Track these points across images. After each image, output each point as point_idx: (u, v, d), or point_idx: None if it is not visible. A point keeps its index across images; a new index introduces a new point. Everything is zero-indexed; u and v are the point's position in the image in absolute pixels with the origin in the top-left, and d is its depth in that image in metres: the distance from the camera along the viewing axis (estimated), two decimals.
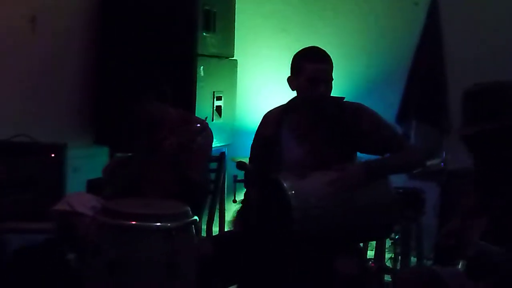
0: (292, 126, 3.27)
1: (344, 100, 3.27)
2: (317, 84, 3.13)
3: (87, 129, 4.95)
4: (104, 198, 3.48)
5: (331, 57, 3.20)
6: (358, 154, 3.29)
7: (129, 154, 3.79)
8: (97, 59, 4.95)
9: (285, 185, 2.94)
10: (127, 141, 3.83)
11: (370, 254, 4.14)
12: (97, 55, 4.95)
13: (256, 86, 5.64)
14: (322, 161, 3.12)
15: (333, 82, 3.19)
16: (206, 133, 3.60)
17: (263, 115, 3.45)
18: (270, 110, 3.41)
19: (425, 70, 5.23)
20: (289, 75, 3.23)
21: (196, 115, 4.28)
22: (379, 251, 4.06)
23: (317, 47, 3.25)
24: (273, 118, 3.34)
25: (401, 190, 4.02)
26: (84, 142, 4.89)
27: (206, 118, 3.68)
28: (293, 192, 2.92)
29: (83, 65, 4.99)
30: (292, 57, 3.25)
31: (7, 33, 4.38)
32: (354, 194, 2.99)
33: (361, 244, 3.47)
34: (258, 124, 3.44)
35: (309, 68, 3.14)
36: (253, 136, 3.43)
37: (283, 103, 3.37)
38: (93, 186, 4.08)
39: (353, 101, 3.31)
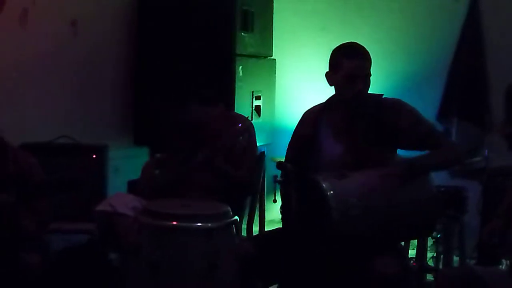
0: (330, 124, 3.25)
1: (383, 96, 3.25)
2: (355, 81, 3.11)
3: (127, 130, 4.99)
4: (145, 198, 3.50)
5: (370, 55, 3.18)
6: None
7: (169, 154, 3.81)
8: (137, 61, 4.98)
9: (324, 185, 2.92)
10: (167, 141, 3.85)
11: (412, 253, 4.10)
12: (136, 57, 4.98)
13: (295, 85, 5.63)
14: (361, 159, 3.10)
15: (372, 79, 3.17)
16: (249, 133, 3.58)
17: (302, 114, 3.44)
18: (309, 109, 3.40)
19: (466, 67, 5.17)
20: (327, 70, 3.22)
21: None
22: (421, 250, 4.02)
23: (355, 43, 3.22)
24: (311, 117, 3.32)
25: (442, 189, 3.97)
26: (124, 143, 4.93)
27: (248, 117, 3.67)
28: (332, 192, 2.91)
29: (122, 67, 5.03)
30: (331, 52, 3.23)
31: (50, 37, 4.44)
32: (395, 193, 2.97)
33: (402, 243, 3.43)
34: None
35: (347, 65, 3.11)
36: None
37: (322, 102, 3.36)
38: (133, 187, 4.11)
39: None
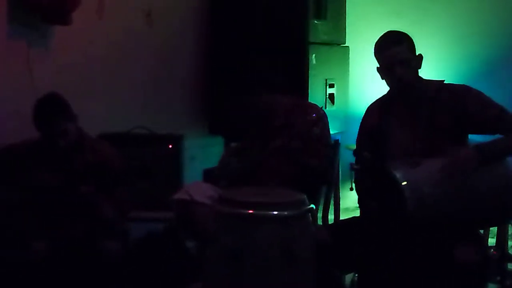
0: (395, 114, 3.25)
1: (445, 82, 3.23)
2: (393, 69, 3.13)
3: (202, 120, 5.04)
4: (221, 187, 3.53)
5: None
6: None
7: (243, 143, 3.84)
8: (210, 51, 5.02)
9: (397, 175, 2.91)
10: (240, 131, 3.87)
11: (492, 241, 4.02)
12: (210, 47, 5.02)
13: (369, 73, 5.51)
14: (430, 146, 3.09)
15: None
16: (322, 123, 3.58)
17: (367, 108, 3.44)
18: (372, 102, 3.41)
19: None
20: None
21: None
22: (501, 238, 3.93)
23: (389, 32, 3.24)
24: (375, 109, 3.34)
25: None
26: (199, 133, 4.98)
27: (322, 107, 3.67)
28: (406, 182, 2.89)
29: (196, 57, 5.08)
30: None
31: (125, 28, 4.51)
32: (469, 179, 2.93)
33: (482, 231, 3.37)
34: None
35: (381, 57, 3.18)
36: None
37: (384, 94, 3.35)
38: (208, 176, 4.16)
39: (469, 84, 3.23)
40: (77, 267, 3.29)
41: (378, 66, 3.23)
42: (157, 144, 4.17)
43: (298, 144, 3.50)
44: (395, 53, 3.14)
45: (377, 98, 3.39)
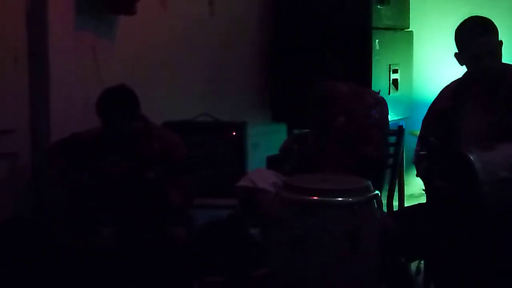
0: (470, 97, 3.20)
1: None
2: (481, 58, 3.05)
3: (265, 107, 5.05)
4: (284, 174, 3.54)
5: (495, 26, 3.08)
6: None
7: (306, 130, 3.84)
8: (273, 38, 5.02)
9: (471, 158, 2.86)
10: (302, 118, 3.87)
11: None
12: (272, 34, 5.02)
13: (433, 58, 5.49)
14: (506, 131, 3.03)
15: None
16: (380, 107, 3.56)
17: (441, 87, 3.39)
18: (446, 85, 3.35)
19: None
20: (456, 51, 3.16)
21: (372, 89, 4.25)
22: None
23: (476, 18, 3.15)
24: (449, 92, 3.28)
25: None
26: (262, 120, 5.00)
27: (379, 91, 3.65)
28: (481, 165, 2.84)
29: (259, 45, 5.08)
30: (455, 31, 3.16)
31: (188, 18, 4.55)
32: None
33: None
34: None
35: (469, 46, 3.07)
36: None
37: (458, 78, 3.29)
38: (272, 162, 4.17)
39: None
40: (144, 252, 3.35)
41: (458, 51, 3.15)
42: (221, 131, 4.20)
43: (354, 131, 3.49)
44: (485, 43, 3.06)
45: (453, 80, 3.33)
